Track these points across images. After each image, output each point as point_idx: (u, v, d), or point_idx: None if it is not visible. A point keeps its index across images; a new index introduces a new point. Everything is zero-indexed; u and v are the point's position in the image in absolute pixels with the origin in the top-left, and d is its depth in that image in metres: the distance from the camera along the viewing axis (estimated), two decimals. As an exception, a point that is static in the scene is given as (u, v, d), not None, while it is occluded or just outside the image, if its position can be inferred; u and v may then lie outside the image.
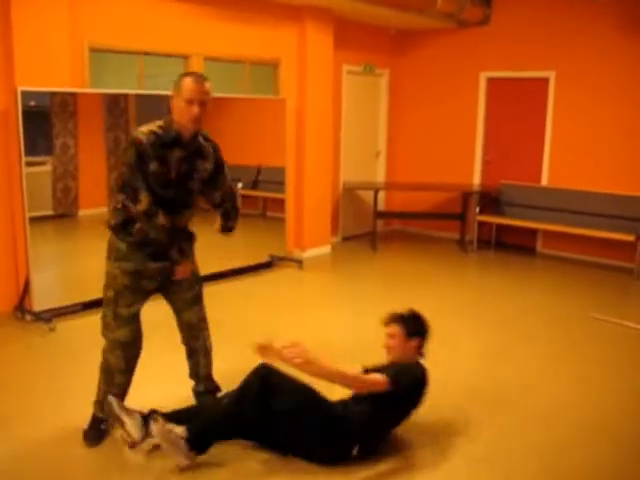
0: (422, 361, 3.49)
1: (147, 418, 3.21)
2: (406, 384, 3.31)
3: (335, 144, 8.50)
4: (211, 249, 6.81)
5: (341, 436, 3.27)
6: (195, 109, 3.12)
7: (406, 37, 9.46)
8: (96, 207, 6.19)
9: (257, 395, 3.17)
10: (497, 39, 8.52)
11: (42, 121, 5.60)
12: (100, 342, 4.95)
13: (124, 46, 6.08)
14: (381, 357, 3.56)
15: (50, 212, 5.77)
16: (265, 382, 3.19)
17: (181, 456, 3.14)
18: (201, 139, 3.33)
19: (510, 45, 8.43)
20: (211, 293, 6.29)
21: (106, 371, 3.52)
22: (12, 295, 5.53)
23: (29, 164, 5.25)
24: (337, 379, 3.18)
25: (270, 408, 3.16)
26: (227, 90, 7.19)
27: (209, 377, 3.81)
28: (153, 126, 3.19)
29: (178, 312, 3.63)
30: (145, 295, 3.45)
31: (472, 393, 4.16)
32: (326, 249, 8.28)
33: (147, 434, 3.18)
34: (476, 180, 9.01)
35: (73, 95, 5.67)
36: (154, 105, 6.61)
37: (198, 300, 3.67)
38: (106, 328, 3.45)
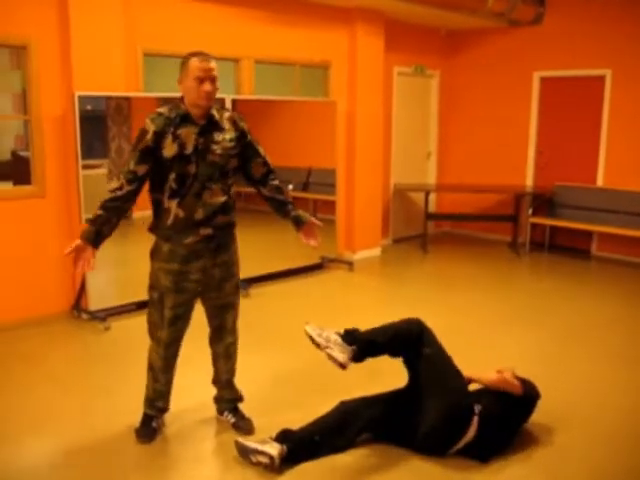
0: None
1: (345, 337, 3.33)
2: (531, 395, 3.52)
3: (386, 145, 8.48)
4: (262, 250, 6.88)
5: (458, 423, 3.28)
6: (207, 86, 3.12)
7: (457, 38, 9.38)
8: (150, 209, 6.30)
9: (413, 337, 3.37)
10: (551, 37, 8.38)
11: (98, 125, 5.74)
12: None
13: (177, 50, 6.16)
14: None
15: (105, 214, 5.89)
16: (421, 331, 3.41)
17: (343, 352, 3.24)
18: (215, 112, 3.29)
19: (564, 43, 8.27)
20: (262, 294, 6.38)
21: (151, 369, 3.55)
22: (69, 294, 5.67)
23: (85, 167, 5.38)
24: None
25: (421, 352, 3.34)
26: (278, 92, 7.25)
27: (230, 384, 3.70)
28: (161, 109, 3.22)
29: (212, 317, 3.53)
30: (190, 296, 3.38)
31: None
32: (376, 251, 8.26)
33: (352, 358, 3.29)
34: (529, 181, 8.87)
35: (128, 99, 5.79)
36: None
37: (234, 306, 3.56)
38: (152, 327, 3.47)
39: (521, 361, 4.61)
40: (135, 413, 3.65)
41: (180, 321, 3.40)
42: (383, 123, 8.21)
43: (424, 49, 9.08)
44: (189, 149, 3.17)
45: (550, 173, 8.66)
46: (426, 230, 8.62)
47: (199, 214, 3.23)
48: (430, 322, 3.52)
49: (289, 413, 3.75)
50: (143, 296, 5.70)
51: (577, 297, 6.47)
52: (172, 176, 3.19)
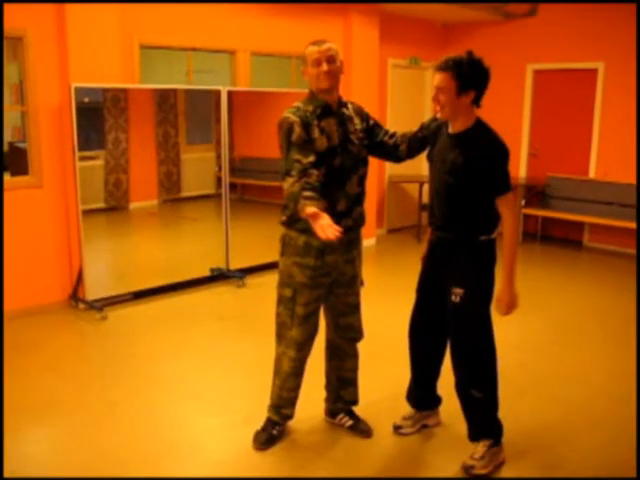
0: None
1: None
2: (506, 175, 3.19)
3: (380, 137, 8.50)
4: (258, 240, 6.93)
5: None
6: (325, 66, 3.07)
7: (452, 30, 9.42)
8: (146, 200, 6.36)
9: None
10: (544, 30, 8.42)
11: (95, 117, 5.78)
12: (149, 331, 5.11)
13: (173, 42, 6.20)
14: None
15: (102, 205, 5.95)
16: None
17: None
18: (346, 101, 3.30)
19: (558, 36, 8.32)
20: (259, 284, 6.42)
21: (277, 374, 3.40)
22: (66, 284, 5.71)
23: (82, 158, 5.41)
24: (513, 258, 3.41)
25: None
26: (274, 85, 7.28)
27: (354, 383, 3.62)
28: (296, 104, 3.19)
29: (338, 316, 3.43)
30: (323, 291, 3.29)
31: (512, 385, 4.17)
32: (371, 241, 8.32)
33: None
34: (522, 173, 8.93)
35: (124, 91, 5.83)
36: (202, 100, 6.75)
37: (359, 305, 3.53)
38: (282, 327, 3.31)
39: (513, 349, 4.69)
40: (132, 401, 3.69)
41: (313, 318, 3.31)
42: (377, 115, 8.24)
43: (419, 41, 9.12)
44: (335, 141, 3.13)
45: (543, 164, 8.73)
46: (420, 220, 8.68)
47: (341, 205, 3.16)
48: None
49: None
50: (140, 286, 5.82)
51: (569, 287, 6.55)
52: (320, 169, 3.06)
